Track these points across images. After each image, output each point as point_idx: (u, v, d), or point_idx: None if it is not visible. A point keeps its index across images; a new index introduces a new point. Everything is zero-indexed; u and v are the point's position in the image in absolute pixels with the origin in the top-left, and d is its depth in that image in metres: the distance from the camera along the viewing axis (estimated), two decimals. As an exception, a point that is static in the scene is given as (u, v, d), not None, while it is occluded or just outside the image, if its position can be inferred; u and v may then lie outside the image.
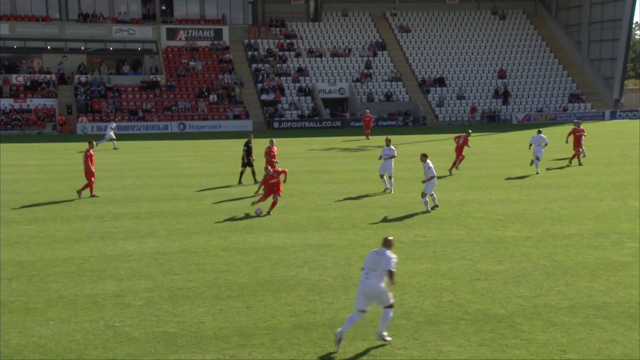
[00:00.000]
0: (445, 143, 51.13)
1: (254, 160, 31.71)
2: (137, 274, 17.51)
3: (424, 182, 24.76)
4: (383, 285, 12.63)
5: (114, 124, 55.82)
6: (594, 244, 19.89)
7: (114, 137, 52.01)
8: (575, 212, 24.50)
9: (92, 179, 28.44)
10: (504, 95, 77.83)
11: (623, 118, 75.19)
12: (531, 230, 21.75)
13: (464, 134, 35.62)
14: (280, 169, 25.79)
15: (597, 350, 12.32)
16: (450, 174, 34.17)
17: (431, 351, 12.34)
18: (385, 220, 23.62)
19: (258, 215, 24.05)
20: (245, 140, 32.83)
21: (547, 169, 35.24)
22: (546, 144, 34.97)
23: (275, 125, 69.58)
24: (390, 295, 12.85)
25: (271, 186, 24.75)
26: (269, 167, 25.49)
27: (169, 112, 70.88)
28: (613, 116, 75.64)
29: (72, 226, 23.16)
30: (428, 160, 24.75)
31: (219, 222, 23.64)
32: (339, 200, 27.55)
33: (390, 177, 29.29)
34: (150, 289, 16.22)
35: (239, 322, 13.90)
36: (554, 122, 71.79)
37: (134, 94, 73.30)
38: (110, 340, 13.04)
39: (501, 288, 15.93)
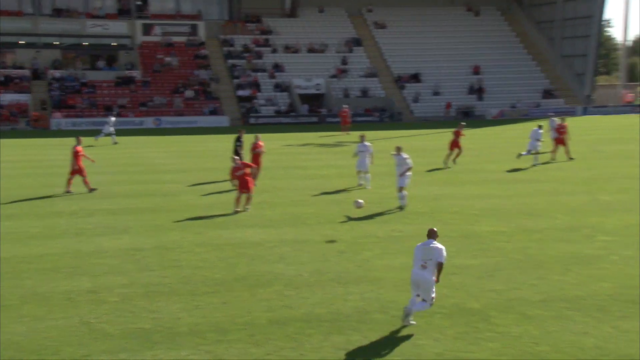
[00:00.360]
0: (421, 139, 51.33)
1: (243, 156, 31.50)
2: (112, 270, 17.39)
3: (401, 175, 24.63)
4: (433, 278, 13.04)
5: (113, 118, 54.03)
6: (566, 238, 20.09)
7: (114, 131, 51.36)
8: (547, 207, 24.70)
9: (77, 174, 28.11)
10: (478, 91, 78.14)
11: (594, 114, 75.74)
12: (505, 225, 21.91)
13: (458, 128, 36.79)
14: (248, 163, 25.69)
15: (569, 342, 12.45)
16: (447, 167, 35.08)
17: (407, 345, 12.39)
18: (361, 215, 23.62)
19: (359, 206, 22.25)
20: (236, 135, 32.69)
21: (508, 171, 35.39)
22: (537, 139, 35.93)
23: (252, 121, 69.07)
24: (434, 291, 13.13)
25: (241, 179, 24.55)
26: (236, 158, 25.50)
27: (145, 108, 70.29)
28: (585, 112, 76.21)
29: (46, 222, 22.96)
30: (402, 153, 24.76)
31: (195, 218, 23.53)
32: (315, 196, 27.54)
33: (366, 173, 29.28)
34: (125, 285, 16.13)
35: (215, 318, 13.87)
36: (527, 117, 72.05)
37: (109, 90, 72.54)
38: (85, 337, 12.95)
39: (475, 282, 16.04)
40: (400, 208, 24.37)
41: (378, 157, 31.24)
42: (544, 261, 17.74)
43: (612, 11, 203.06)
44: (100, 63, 76.42)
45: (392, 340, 12.64)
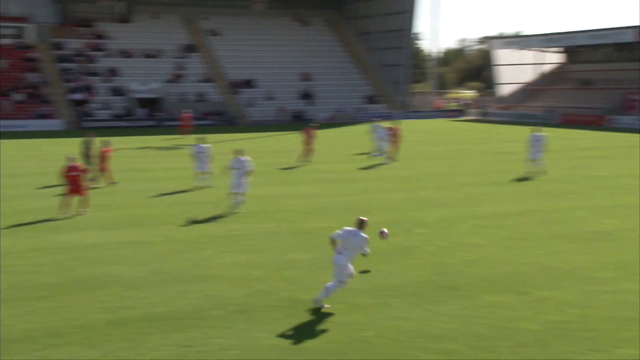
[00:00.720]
0: (256, 142, 51.42)
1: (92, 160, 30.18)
2: (-56, 278, 16.37)
3: (238, 178, 24.11)
4: (350, 265, 13.73)
5: None
6: (389, 232, 20.69)
7: None
8: (372, 204, 25.40)
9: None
10: (308, 97, 79.29)
11: (411, 118, 78.25)
12: (334, 221, 22.22)
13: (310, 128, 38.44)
14: (83, 166, 24.75)
15: (390, 327, 12.88)
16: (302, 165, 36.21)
17: (244, 338, 12.42)
18: (200, 216, 23.42)
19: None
20: (85, 139, 31.42)
21: (337, 172, 36.18)
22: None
23: (87, 124, 66.51)
24: (349, 274, 13.77)
25: (73, 181, 23.38)
26: (72, 157, 24.36)
27: (-29, 111, 66.21)
28: (402, 116, 78.99)
29: None
30: (242, 157, 24.68)
31: (28, 222, 22.33)
32: (154, 197, 27.07)
33: (204, 173, 29.22)
34: (-43, 293, 15.20)
35: (49, 322, 13.27)
36: (353, 121, 73.83)
37: None
38: None
39: (308, 275, 16.27)
40: (235, 211, 24.12)
41: (218, 159, 31.11)
42: (369, 254, 18.22)
43: (423, 25, 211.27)
44: None
45: (230, 334, 12.63)
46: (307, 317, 13.50)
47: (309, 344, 12.16)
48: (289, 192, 28.41)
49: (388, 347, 11.97)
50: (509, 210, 24.14)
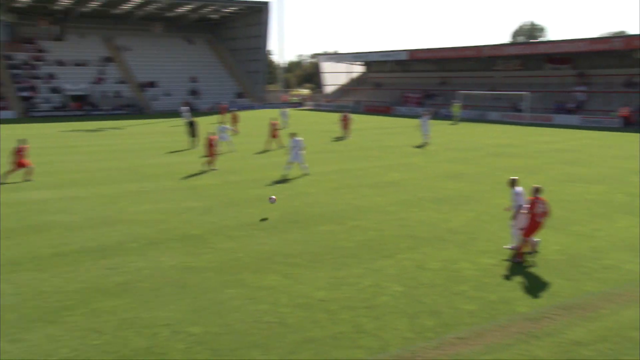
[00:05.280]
0: (160, 125, 49.48)
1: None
2: None
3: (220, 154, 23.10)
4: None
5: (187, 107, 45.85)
6: (253, 186, 20.65)
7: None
8: (242, 166, 25.13)
9: (22, 167, 21.92)
10: (195, 93, 77.03)
11: (266, 108, 77.91)
12: (216, 179, 22.00)
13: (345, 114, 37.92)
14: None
15: (255, 250, 12.86)
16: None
17: (153, 262, 12.05)
18: (118, 178, 22.30)
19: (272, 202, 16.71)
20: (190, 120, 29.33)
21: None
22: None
23: (33, 114, 62.01)
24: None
25: (20, 156, 21.74)
26: (22, 140, 22.44)
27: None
28: (261, 107, 78.60)
29: None
30: (296, 137, 22.80)
31: (-9, 186, 20.69)
32: (86, 164, 25.53)
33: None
34: None
35: (10, 256, 12.38)
36: (228, 110, 72.41)
37: None
38: None
39: (198, 217, 15.98)
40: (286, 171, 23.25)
41: (130, 138, 29.58)
42: (239, 201, 18.12)
43: (273, 44, 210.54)
44: None
45: (143, 259, 12.23)
46: (197, 246, 13.27)
47: (198, 264, 11.98)
48: (184, 160, 27.60)
49: (253, 263, 11.99)
50: (332, 169, 24.61)
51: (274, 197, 15.92)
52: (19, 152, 21.73)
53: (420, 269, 11.60)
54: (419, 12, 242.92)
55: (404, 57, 70.75)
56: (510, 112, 57.12)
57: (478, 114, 58.77)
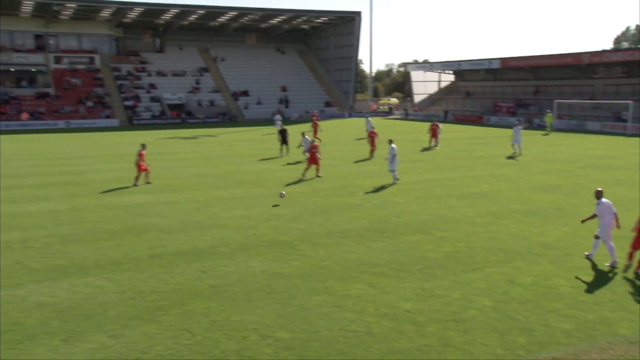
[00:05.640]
0: (251, 133, 51.00)
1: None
2: (37, 226, 16.13)
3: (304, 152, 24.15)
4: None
5: (279, 115, 49.75)
6: (341, 194, 20.76)
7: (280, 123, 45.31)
8: (331, 175, 25.34)
9: (140, 171, 23.37)
10: (286, 102, 78.73)
11: (355, 117, 78.25)
12: (304, 187, 22.30)
13: (434, 123, 37.30)
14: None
15: (341, 258, 12.88)
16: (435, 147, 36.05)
17: (242, 266, 12.38)
18: (210, 184, 23.18)
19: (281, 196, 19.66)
20: (280, 128, 30.82)
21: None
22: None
23: (135, 122, 66.08)
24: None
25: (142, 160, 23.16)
26: (143, 144, 23.79)
27: (57, 114, 64.95)
28: (350, 115, 78.88)
29: (-14, 196, 20.86)
30: (392, 145, 23.19)
31: (96, 189, 22.16)
32: (186, 170, 26.73)
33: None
34: (46, 235, 15.01)
35: (112, 255, 13.21)
36: (318, 119, 73.32)
37: (31, 101, 66.55)
38: (18, 272, 11.95)
39: (286, 224, 16.24)
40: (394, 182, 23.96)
41: (223, 145, 30.61)
42: (327, 209, 18.26)
43: (363, 53, 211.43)
44: (24, 83, 69.57)
45: (232, 264, 12.60)
46: (285, 251, 13.50)
47: (286, 270, 12.17)
48: (272, 167, 28.19)
49: (340, 271, 12.02)
50: (420, 179, 24.27)
51: (283, 192, 18.09)
52: (139, 156, 23.08)
53: (511, 284, 11.15)
54: (510, 19, 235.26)
55: (496, 65, 68.58)
56: (611, 122, 53.79)
57: (575, 124, 55.78)
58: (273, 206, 15.78)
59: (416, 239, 14.50)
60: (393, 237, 14.70)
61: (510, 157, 31.37)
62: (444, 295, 10.55)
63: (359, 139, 43.29)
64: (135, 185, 22.85)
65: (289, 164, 29.14)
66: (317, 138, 38.07)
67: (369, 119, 43.41)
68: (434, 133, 37.42)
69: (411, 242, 14.21)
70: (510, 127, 52.62)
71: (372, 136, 32.10)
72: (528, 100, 68.53)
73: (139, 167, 23.13)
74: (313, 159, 24.48)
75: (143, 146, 23.99)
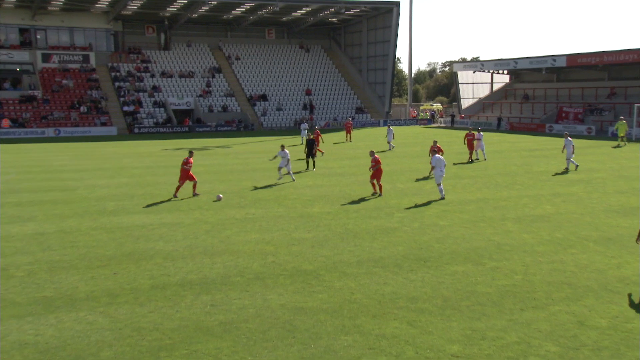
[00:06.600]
0: (270, 144, 51.37)
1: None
2: (19, 251, 16.39)
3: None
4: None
5: (306, 124, 54.28)
6: (374, 215, 20.71)
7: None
8: (361, 193, 25.35)
9: (187, 181, 24.75)
10: (310, 107, 79.25)
11: (392, 125, 78.33)
12: (331, 207, 22.32)
13: (471, 132, 37.81)
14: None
15: (374, 290, 12.85)
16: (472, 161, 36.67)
17: (258, 299, 12.40)
18: (223, 203, 23.37)
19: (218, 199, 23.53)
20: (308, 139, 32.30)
21: (335, 167, 35.99)
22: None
23: (136, 130, 67.21)
24: None
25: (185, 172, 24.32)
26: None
27: (46, 120, 66.51)
28: (385, 123, 78.87)
29: (-34, 215, 21.31)
30: (437, 155, 24.64)
31: (90, 207, 22.52)
32: (203, 185, 26.99)
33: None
34: (30, 262, 15.24)
35: (107, 286, 13.34)
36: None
37: (15, 106, 68.28)
38: None
39: (310, 250, 16.25)
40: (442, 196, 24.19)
41: (237, 158, 30.90)
42: (358, 232, 18.22)
43: (401, 51, 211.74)
44: (6, 85, 71.34)
45: (248, 296, 12.62)
46: (309, 282, 13.48)
47: (310, 304, 12.13)
48: (294, 183, 28.30)
49: (373, 307, 11.93)
50: (468, 198, 24.10)
51: (220, 195, 19.00)
52: (185, 164, 24.15)
53: (581, 326, 10.92)
54: (578, 8, 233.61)
55: (561, 63, 67.98)
56: None
57: (658, 132, 54.83)
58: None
59: (464, 269, 14.34)
60: (436, 267, 14.57)
61: (576, 173, 30.92)
62: (498, 338, 10.38)
63: (380, 152, 43.22)
64: (175, 196, 24.33)
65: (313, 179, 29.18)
66: (319, 151, 38.06)
67: (391, 127, 43.70)
68: (469, 144, 37.25)
69: (458, 273, 14.06)
70: (578, 136, 51.97)
71: (435, 149, 30.34)
72: (601, 104, 67.66)
73: (186, 177, 24.23)
74: (377, 174, 24.78)
75: (190, 153, 25.04)
